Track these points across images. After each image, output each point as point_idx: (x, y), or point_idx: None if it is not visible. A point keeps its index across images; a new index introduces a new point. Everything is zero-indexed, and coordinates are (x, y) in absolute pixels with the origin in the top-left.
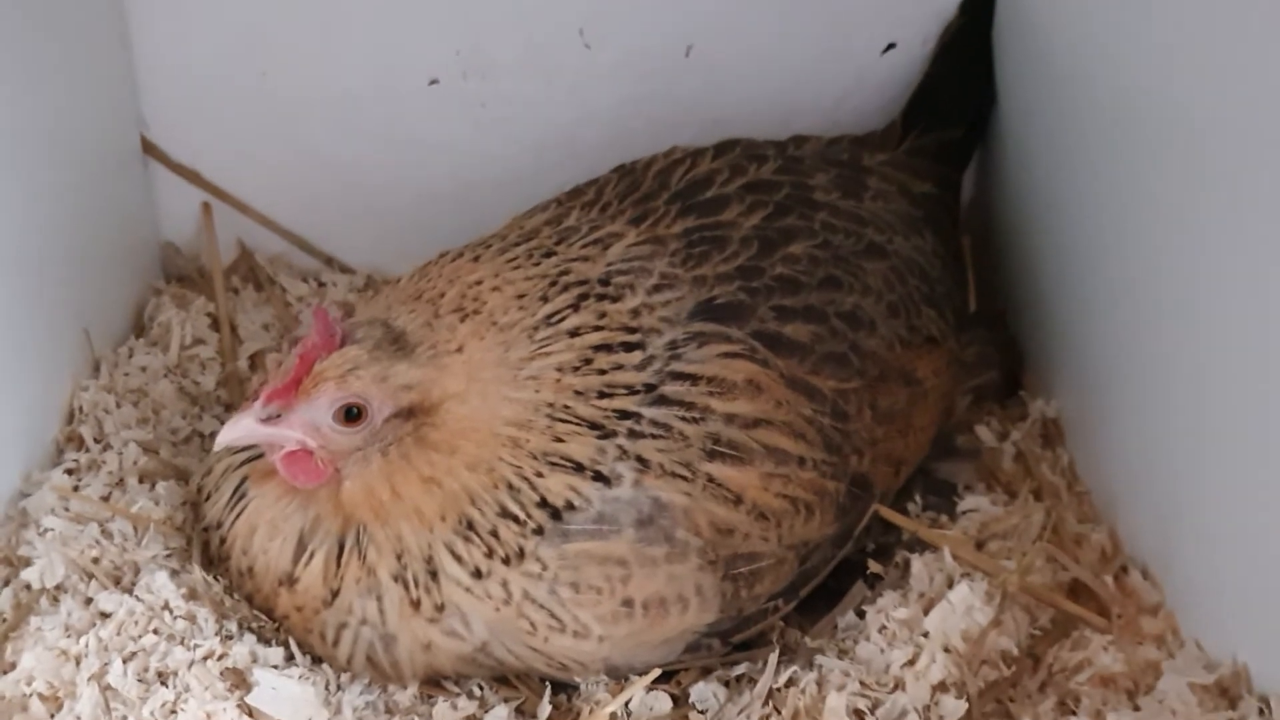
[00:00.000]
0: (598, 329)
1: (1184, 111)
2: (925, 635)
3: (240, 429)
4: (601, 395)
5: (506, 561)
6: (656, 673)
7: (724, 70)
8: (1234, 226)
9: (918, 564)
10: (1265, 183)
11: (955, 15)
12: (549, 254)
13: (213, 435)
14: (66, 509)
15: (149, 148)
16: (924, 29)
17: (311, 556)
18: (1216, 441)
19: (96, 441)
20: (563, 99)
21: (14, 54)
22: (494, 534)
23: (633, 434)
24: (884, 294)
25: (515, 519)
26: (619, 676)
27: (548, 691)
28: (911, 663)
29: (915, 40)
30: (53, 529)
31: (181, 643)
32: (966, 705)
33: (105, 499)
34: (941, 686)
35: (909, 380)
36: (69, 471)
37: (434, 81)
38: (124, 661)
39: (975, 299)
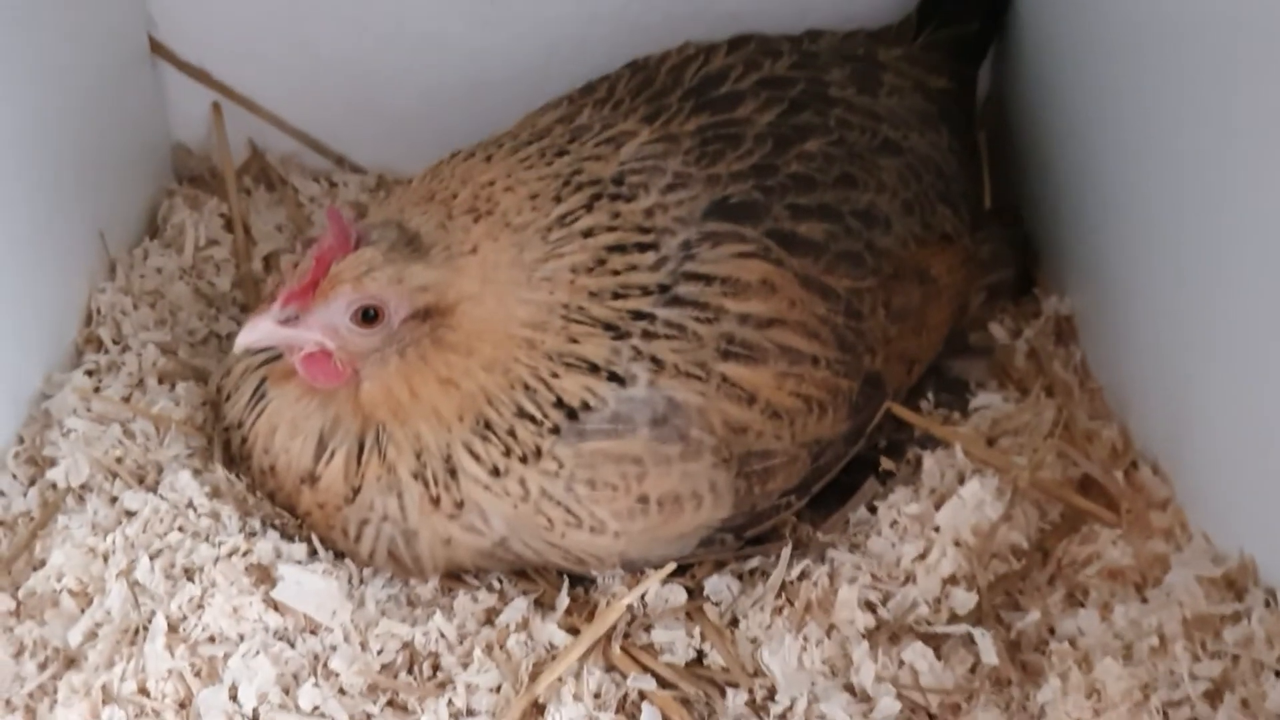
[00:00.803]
0: (611, 229)
1: (1207, 5)
2: (936, 530)
3: (259, 331)
4: (615, 296)
5: (524, 460)
6: (671, 567)
7: None
8: (1254, 124)
9: (929, 460)
10: None
11: None
12: (561, 153)
13: (229, 336)
14: (89, 410)
15: (157, 47)
16: None
17: (332, 455)
18: (1228, 338)
19: (115, 343)
20: None
21: None
22: (511, 433)
23: (647, 334)
24: (899, 191)
25: (532, 419)
26: (635, 570)
27: (565, 585)
28: (923, 556)
29: None
30: (76, 429)
31: (206, 539)
32: (977, 597)
33: (126, 400)
34: (952, 579)
35: (923, 278)
36: (89, 373)
37: None
38: (151, 558)
39: (990, 195)
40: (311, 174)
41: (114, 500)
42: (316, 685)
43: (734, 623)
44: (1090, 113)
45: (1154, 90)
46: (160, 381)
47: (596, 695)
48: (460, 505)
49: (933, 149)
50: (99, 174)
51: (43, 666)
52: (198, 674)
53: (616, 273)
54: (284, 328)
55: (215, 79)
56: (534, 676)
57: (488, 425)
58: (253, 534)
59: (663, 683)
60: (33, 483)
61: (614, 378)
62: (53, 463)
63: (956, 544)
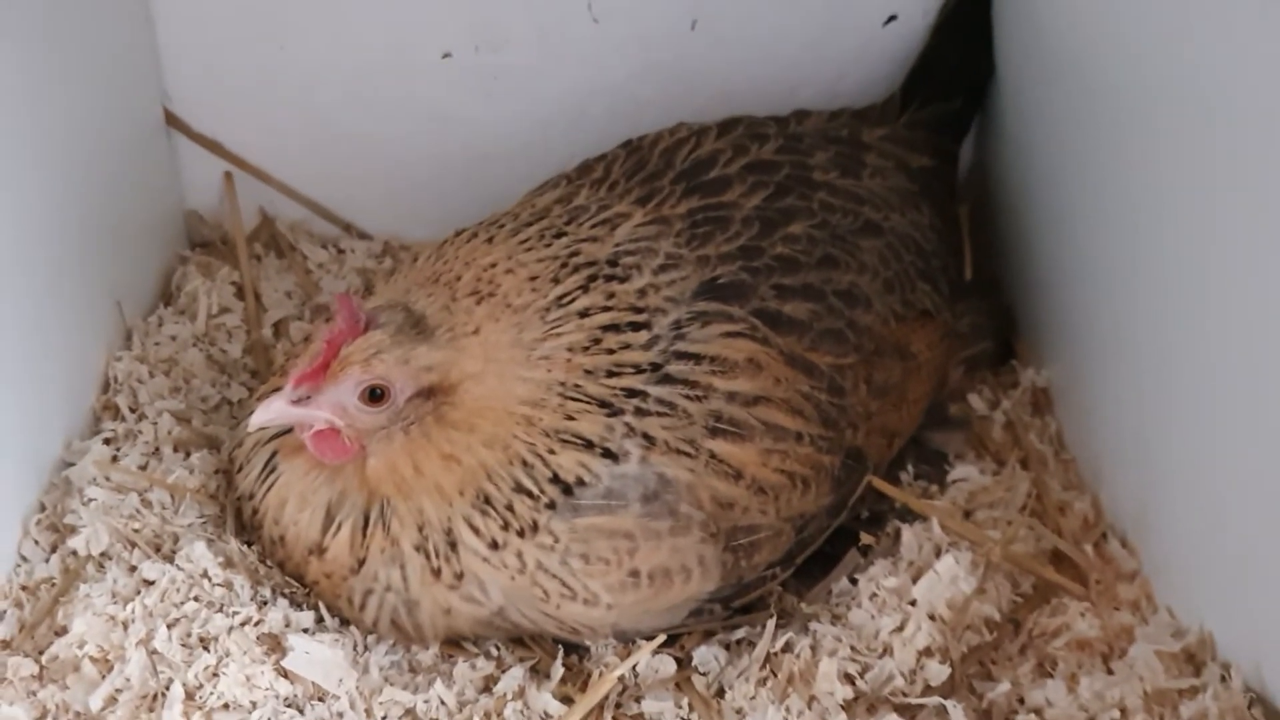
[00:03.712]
0: (606, 309)
1: (1178, 82)
2: (913, 603)
3: (273, 411)
4: (610, 374)
5: (521, 534)
6: (662, 638)
7: (728, 43)
8: (1225, 201)
9: (908, 534)
10: (1258, 155)
11: None
12: (560, 234)
13: (240, 403)
14: (108, 479)
15: (172, 120)
16: (924, 1)
17: (339, 528)
18: (1194, 413)
19: (132, 411)
20: (572, 72)
21: (41, 33)
22: (509, 508)
23: (639, 412)
24: (880, 271)
25: (529, 494)
26: (626, 640)
27: (560, 653)
28: (900, 629)
29: (916, 12)
30: (96, 498)
31: (220, 609)
32: (949, 670)
33: (143, 468)
34: (927, 652)
35: (903, 354)
36: (107, 441)
37: (447, 55)
38: (168, 628)
39: (971, 267)
40: (320, 240)
41: (133, 569)
42: None
43: (720, 693)
44: (1068, 187)
45: (1127, 167)
46: (175, 450)
47: None
48: (460, 577)
49: (913, 227)
50: (116, 242)
51: None
52: None
53: (611, 351)
54: (296, 407)
55: (228, 149)
56: None
57: (487, 500)
58: (264, 603)
59: None
60: (54, 549)
61: (607, 454)
62: (73, 530)
63: (931, 618)
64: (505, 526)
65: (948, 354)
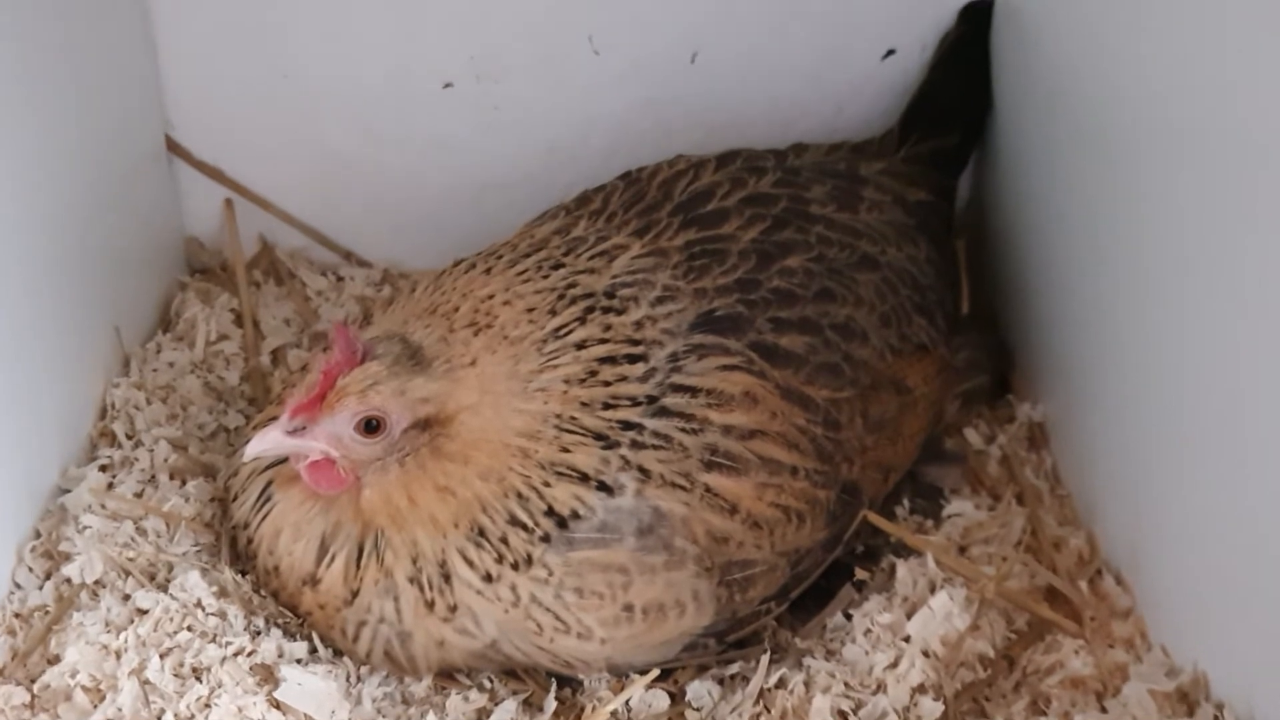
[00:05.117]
0: (603, 341)
1: (1174, 120)
2: (907, 640)
3: (268, 441)
4: (606, 406)
5: (515, 567)
6: (656, 673)
7: (727, 76)
8: (1221, 237)
9: (902, 569)
10: (1255, 192)
11: (954, 23)
12: (557, 266)
13: (237, 430)
14: (103, 506)
15: (174, 147)
16: (923, 36)
17: (333, 559)
18: (1189, 451)
19: (129, 438)
20: (572, 103)
21: (43, 60)
22: (504, 541)
23: (635, 444)
24: (876, 305)
25: (524, 527)
26: (620, 674)
27: (553, 687)
28: (893, 665)
29: (914, 47)
30: (91, 526)
31: (214, 640)
32: (943, 707)
33: (138, 495)
34: (920, 689)
35: (900, 389)
36: (103, 468)
37: (448, 85)
38: (161, 657)
39: (969, 300)
40: (319, 268)
41: (126, 598)
42: None
43: None
44: (1064, 222)
45: (1124, 204)
46: (171, 478)
47: None
48: (454, 609)
49: (910, 261)
50: (115, 268)
51: None
52: None
53: (607, 384)
54: (292, 438)
55: (229, 177)
56: None
57: (482, 532)
58: (257, 633)
59: None
60: (48, 576)
61: (603, 487)
62: (68, 558)
63: (925, 654)
64: (499, 559)
65: (944, 388)
